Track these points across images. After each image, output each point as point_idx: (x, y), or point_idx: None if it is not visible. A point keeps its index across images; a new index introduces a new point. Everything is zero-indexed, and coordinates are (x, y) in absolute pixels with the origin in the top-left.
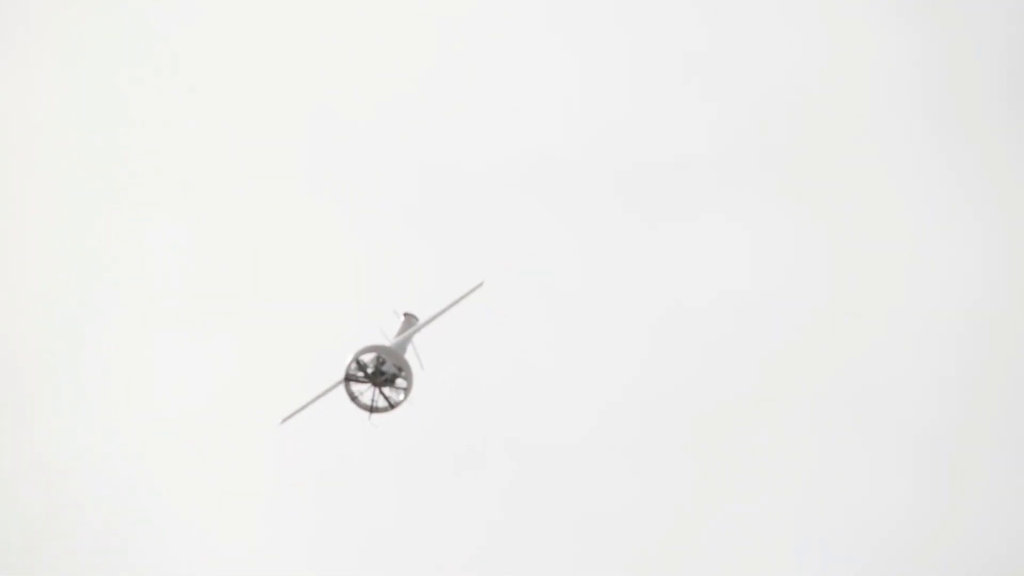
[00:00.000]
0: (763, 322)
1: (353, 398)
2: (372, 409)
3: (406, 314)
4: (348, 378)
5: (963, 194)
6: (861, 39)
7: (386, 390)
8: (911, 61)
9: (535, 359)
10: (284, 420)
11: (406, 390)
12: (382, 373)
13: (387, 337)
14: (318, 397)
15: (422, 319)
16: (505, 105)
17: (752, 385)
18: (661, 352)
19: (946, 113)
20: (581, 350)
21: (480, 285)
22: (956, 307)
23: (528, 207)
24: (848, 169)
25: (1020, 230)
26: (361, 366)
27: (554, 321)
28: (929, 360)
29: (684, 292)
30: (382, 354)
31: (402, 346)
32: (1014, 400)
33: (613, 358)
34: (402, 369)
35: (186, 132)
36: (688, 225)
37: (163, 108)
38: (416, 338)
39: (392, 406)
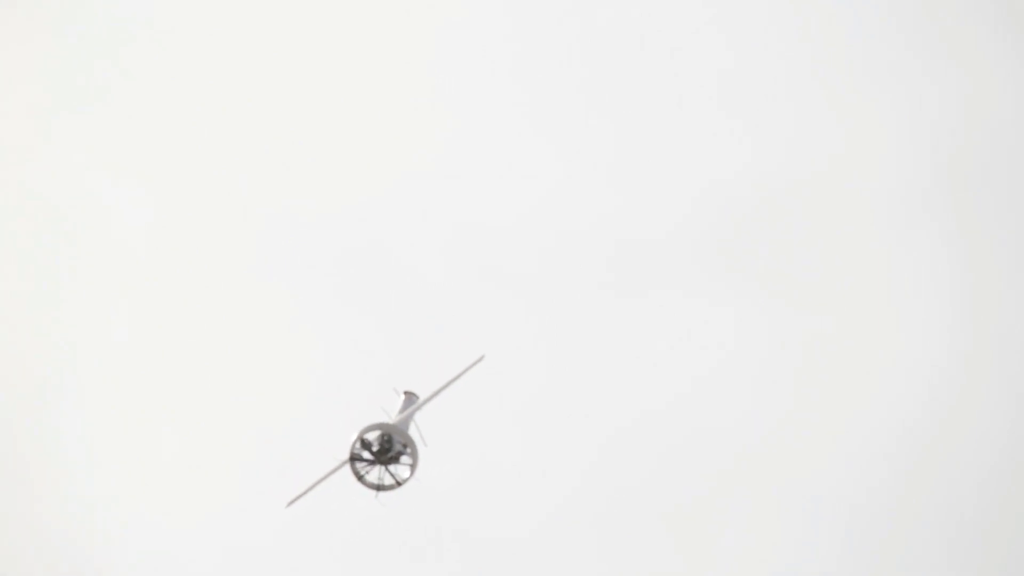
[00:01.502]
0: (732, 415)
1: (359, 477)
2: (379, 488)
3: (407, 392)
4: (353, 457)
5: (931, 286)
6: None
7: (392, 468)
8: (886, 144)
9: (496, 448)
10: (290, 503)
11: (412, 467)
12: (387, 451)
13: (389, 415)
14: (324, 478)
15: (422, 396)
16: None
17: (712, 482)
18: (619, 448)
19: (923, 198)
20: (540, 444)
21: (481, 359)
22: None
23: (494, 291)
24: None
25: (988, 326)
26: (366, 444)
27: (515, 410)
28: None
29: (649, 385)
30: (387, 431)
31: (405, 423)
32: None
33: (570, 453)
34: (407, 446)
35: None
36: (657, 312)
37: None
38: (417, 415)
39: (399, 483)
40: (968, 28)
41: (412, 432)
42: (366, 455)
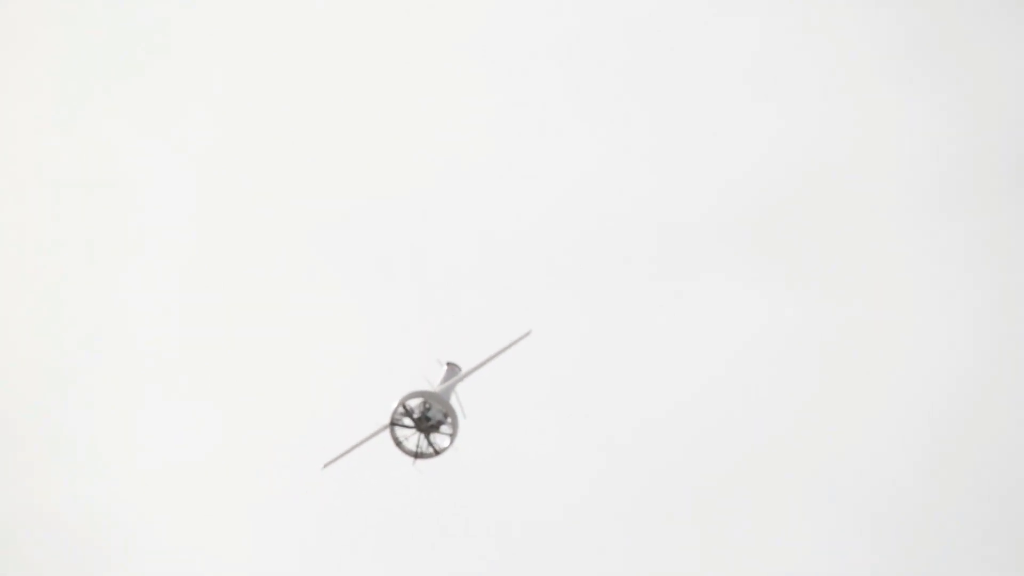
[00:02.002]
0: (763, 400)
1: (398, 443)
2: (417, 455)
3: (449, 363)
4: (394, 423)
5: (960, 277)
6: (867, 111)
7: (431, 436)
8: (914, 136)
9: (532, 428)
10: (327, 464)
11: (452, 436)
12: (428, 419)
13: (432, 385)
14: (363, 442)
15: (465, 368)
16: (509, 171)
17: (741, 465)
18: (653, 431)
19: (951, 189)
20: (575, 426)
21: (528, 334)
22: (948, 396)
23: (529, 276)
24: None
25: (1016, 319)
26: (407, 411)
27: (552, 390)
28: (917, 441)
29: (684, 369)
30: (429, 400)
31: (447, 393)
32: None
33: (605, 436)
34: (448, 415)
35: (182, 194)
36: (693, 296)
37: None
38: (459, 387)
39: (437, 452)
40: (998, 24)
41: (453, 403)
42: (407, 422)
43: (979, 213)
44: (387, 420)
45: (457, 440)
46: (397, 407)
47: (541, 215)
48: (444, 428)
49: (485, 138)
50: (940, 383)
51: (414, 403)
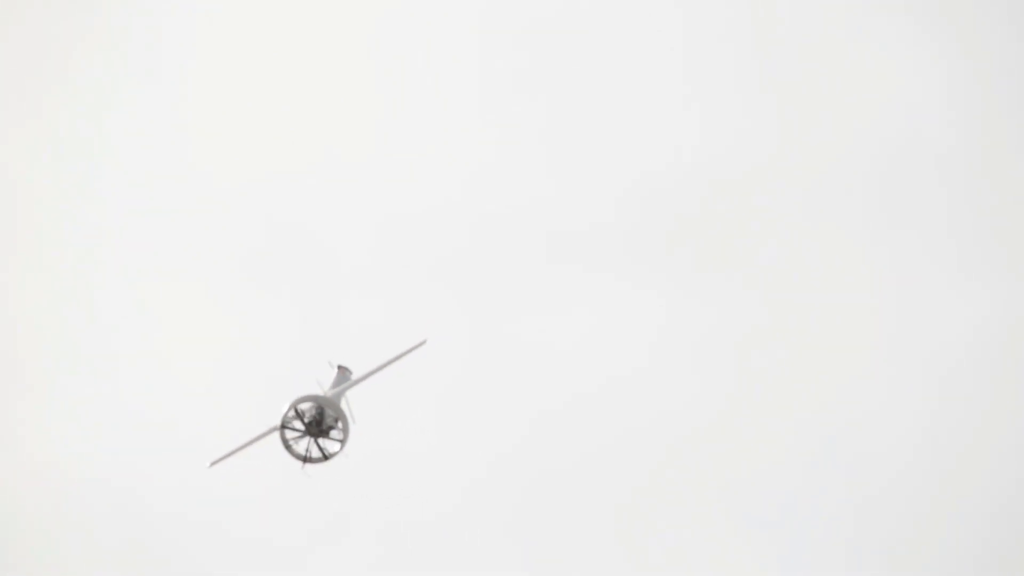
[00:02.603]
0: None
1: (288, 446)
2: (306, 459)
3: (340, 367)
4: (284, 426)
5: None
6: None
7: (321, 441)
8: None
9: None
10: (213, 463)
11: (342, 442)
12: (319, 423)
13: (322, 388)
14: (250, 442)
15: (361, 373)
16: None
17: (640, 470)
18: (545, 435)
19: (864, 193)
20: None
21: (423, 343)
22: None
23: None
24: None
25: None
26: (299, 414)
27: (439, 393)
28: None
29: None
30: (320, 403)
31: (338, 397)
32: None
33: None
34: (339, 420)
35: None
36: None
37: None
38: (350, 391)
39: (326, 457)
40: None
41: (343, 407)
42: (297, 425)
43: (896, 218)
44: (277, 422)
45: (347, 446)
46: (288, 410)
47: (434, 216)
48: (334, 433)
49: (379, 138)
50: (843, 385)
51: (305, 407)
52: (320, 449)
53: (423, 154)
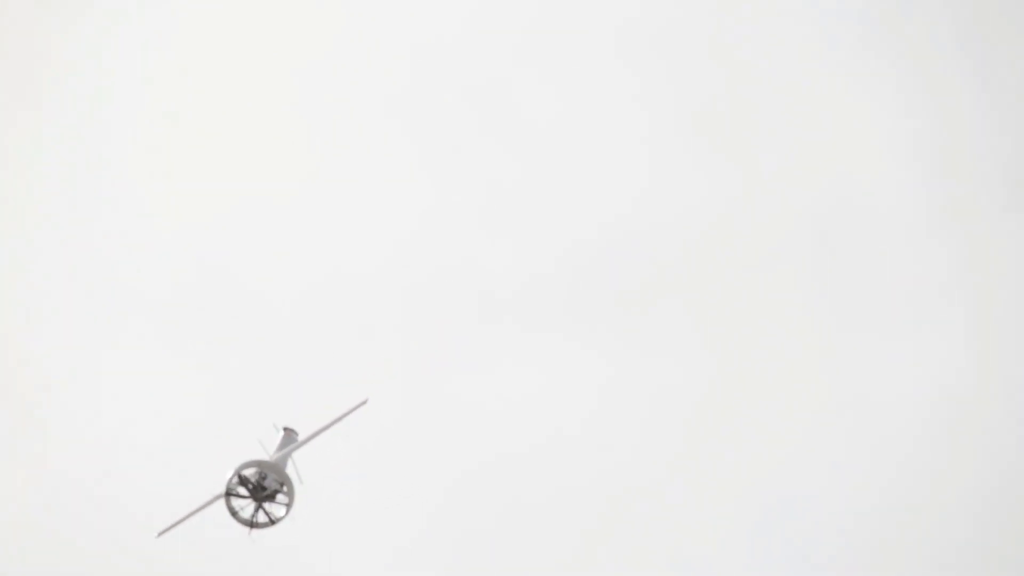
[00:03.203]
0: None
1: (234, 513)
2: (253, 525)
3: (286, 429)
4: (229, 493)
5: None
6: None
7: (267, 506)
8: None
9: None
10: (161, 533)
11: (288, 505)
12: (264, 488)
13: (267, 451)
14: (197, 510)
15: (303, 435)
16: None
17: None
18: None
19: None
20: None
21: (364, 403)
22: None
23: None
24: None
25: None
26: (243, 480)
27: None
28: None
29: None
30: (264, 469)
31: (283, 461)
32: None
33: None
34: (284, 484)
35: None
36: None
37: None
38: (295, 454)
39: (273, 522)
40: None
41: (289, 470)
42: (242, 491)
43: (849, 276)
44: (222, 490)
45: (293, 509)
46: (232, 476)
47: (373, 272)
48: (280, 497)
49: (313, 191)
50: (793, 444)
51: (249, 472)
52: (266, 514)
53: (358, 209)
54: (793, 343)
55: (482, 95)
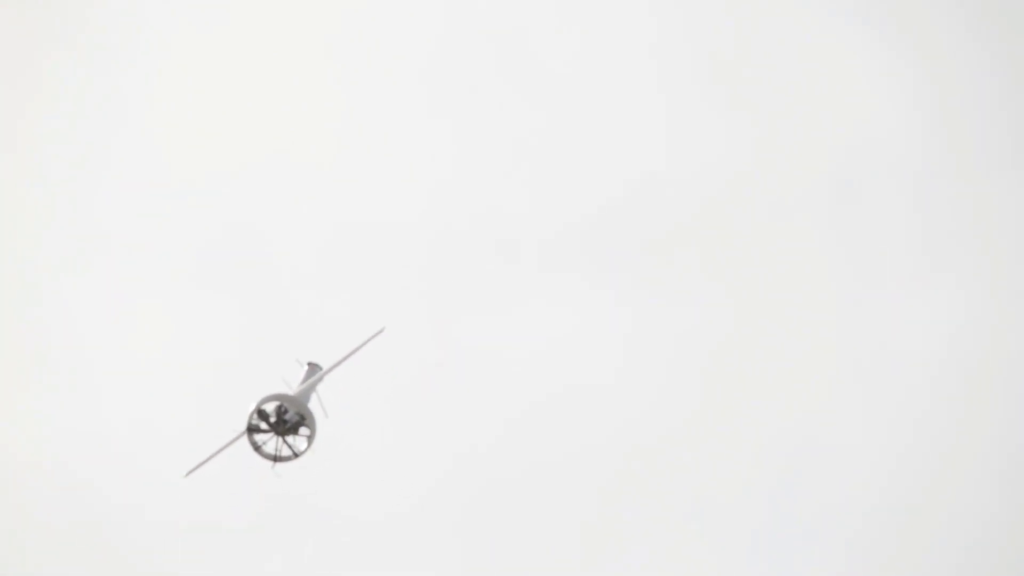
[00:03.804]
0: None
1: (256, 448)
2: (276, 458)
3: (309, 364)
4: (251, 429)
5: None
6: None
7: (289, 439)
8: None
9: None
10: (188, 473)
11: (309, 438)
12: (285, 422)
13: (290, 386)
14: (221, 449)
15: (325, 367)
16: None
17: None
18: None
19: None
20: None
21: (381, 331)
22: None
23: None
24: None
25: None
26: (264, 416)
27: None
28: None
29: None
30: (284, 403)
31: (305, 395)
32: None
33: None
34: (305, 417)
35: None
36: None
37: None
38: (320, 387)
39: (296, 455)
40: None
41: (313, 404)
42: (264, 426)
43: (867, 228)
44: (243, 425)
45: (316, 441)
46: (253, 412)
47: (400, 212)
48: (302, 430)
49: (343, 137)
50: (814, 392)
51: (270, 407)
52: (289, 447)
53: (383, 158)
54: (811, 293)
55: (503, 47)
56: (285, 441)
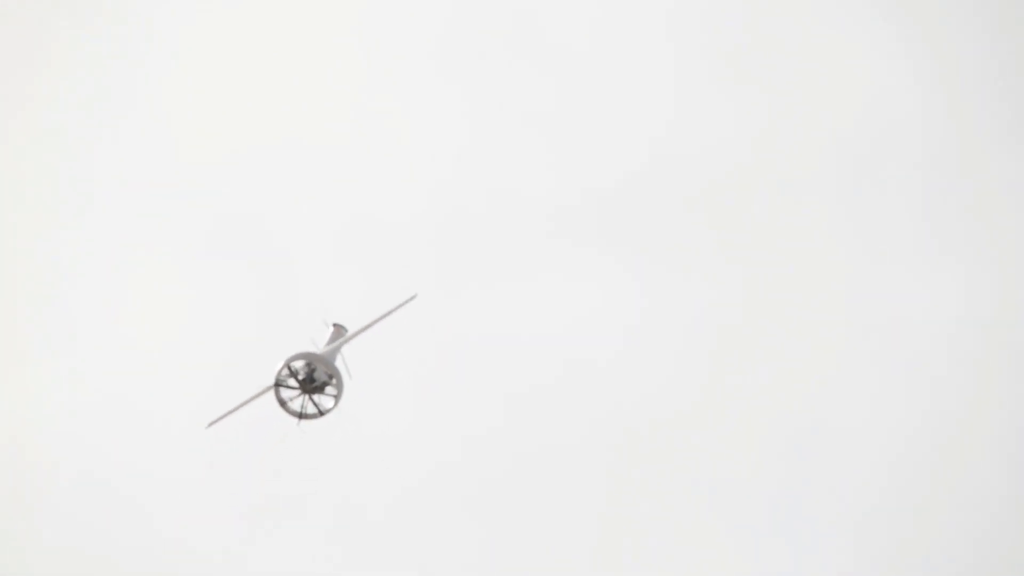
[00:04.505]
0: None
1: (283, 404)
2: (301, 416)
3: (335, 325)
4: (279, 384)
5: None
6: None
7: (315, 397)
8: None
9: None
10: (211, 423)
11: (336, 397)
12: (312, 380)
13: (317, 346)
14: (247, 402)
15: (352, 329)
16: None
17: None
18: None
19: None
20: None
21: (413, 297)
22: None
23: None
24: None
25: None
26: (292, 372)
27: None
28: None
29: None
30: (313, 361)
31: (332, 354)
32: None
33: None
34: (332, 376)
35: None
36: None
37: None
38: (345, 349)
39: (321, 413)
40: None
41: (338, 364)
42: (291, 383)
43: (874, 208)
44: (272, 381)
45: (341, 401)
46: (282, 368)
47: (434, 186)
48: (328, 389)
49: (358, 114)
50: (823, 371)
51: (299, 364)
52: (315, 405)
53: (401, 131)
54: (820, 267)
55: (516, 25)
56: (311, 399)
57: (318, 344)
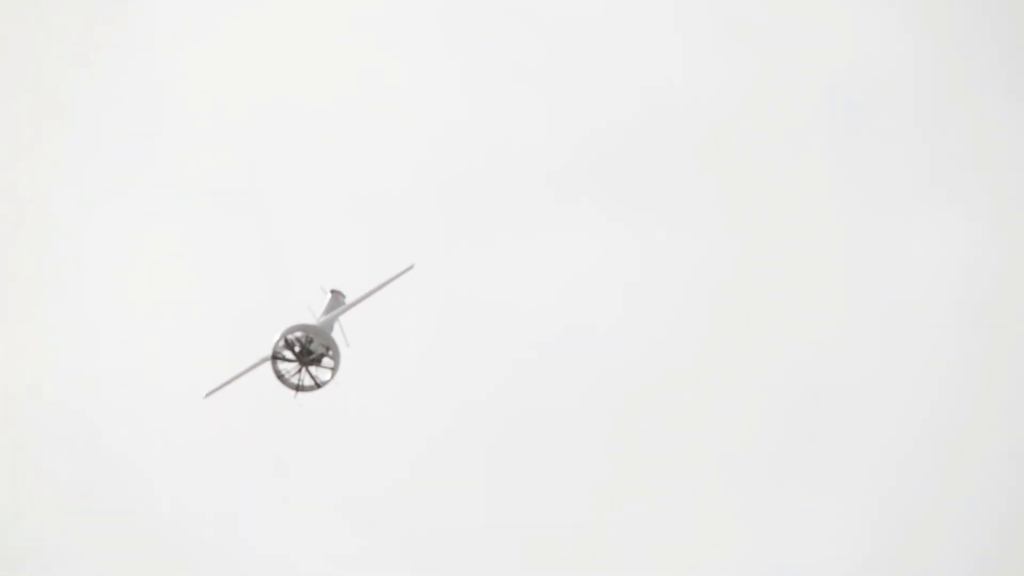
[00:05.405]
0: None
1: (280, 376)
2: (298, 388)
3: (333, 291)
4: (275, 356)
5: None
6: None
7: (313, 369)
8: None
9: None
10: (208, 394)
11: (333, 370)
12: (309, 352)
13: (314, 315)
14: (243, 373)
15: (350, 297)
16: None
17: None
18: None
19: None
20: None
21: (410, 268)
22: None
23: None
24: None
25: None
26: (289, 344)
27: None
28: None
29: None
30: (310, 333)
31: (329, 325)
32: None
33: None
34: (329, 348)
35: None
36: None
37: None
38: (342, 317)
39: (318, 385)
40: None
41: (335, 334)
42: (288, 355)
43: (870, 155)
44: (269, 352)
45: (339, 373)
46: (279, 340)
47: (427, 147)
48: (326, 362)
49: (367, 74)
50: (820, 322)
51: (295, 336)
52: (312, 377)
53: (398, 92)
54: (819, 221)
55: None
56: (308, 371)
57: (315, 312)
